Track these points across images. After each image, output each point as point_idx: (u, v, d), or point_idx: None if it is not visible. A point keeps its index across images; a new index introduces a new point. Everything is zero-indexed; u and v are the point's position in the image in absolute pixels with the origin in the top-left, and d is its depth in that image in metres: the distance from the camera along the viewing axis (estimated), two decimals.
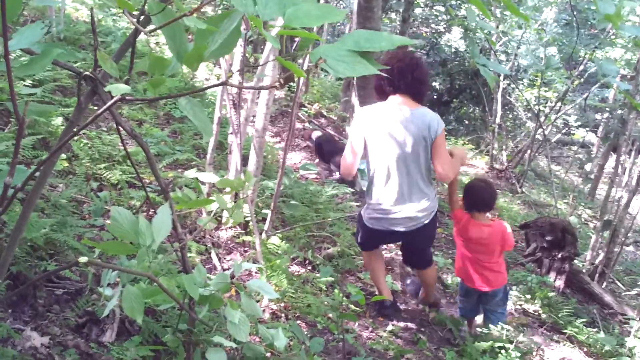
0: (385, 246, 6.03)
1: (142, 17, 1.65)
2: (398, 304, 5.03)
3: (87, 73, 1.85)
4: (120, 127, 2.17)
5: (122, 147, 5.11)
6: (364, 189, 4.50)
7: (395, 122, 4.00)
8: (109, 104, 1.58)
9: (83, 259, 2.01)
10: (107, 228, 3.78)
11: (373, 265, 4.72)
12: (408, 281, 5.51)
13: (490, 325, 4.65)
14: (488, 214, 4.65)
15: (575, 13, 8.80)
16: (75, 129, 1.81)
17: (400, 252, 5.49)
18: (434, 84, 14.02)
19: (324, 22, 1.53)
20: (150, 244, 2.30)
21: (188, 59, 1.44)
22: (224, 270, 4.39)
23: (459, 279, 4.96)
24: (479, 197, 4.45)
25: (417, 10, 13.68)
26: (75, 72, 1.88)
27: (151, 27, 1.47)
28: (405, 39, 1.66)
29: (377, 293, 4.83)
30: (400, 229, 4.22)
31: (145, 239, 2.29)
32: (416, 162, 4.06)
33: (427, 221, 4.24)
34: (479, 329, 4.68)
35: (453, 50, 13.92)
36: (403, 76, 4.04)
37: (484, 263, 4.52)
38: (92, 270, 3.39)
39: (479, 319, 4.98)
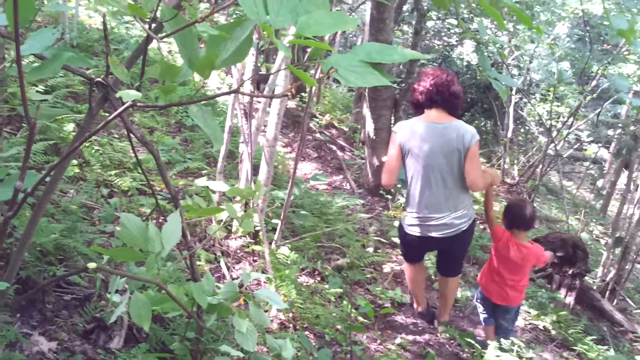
0: (395, 260, 6.05)
1: (154, 24, 1.66)
2: (407, 317, 5.07)
3: (99, 79, 1.85)
4: (131, 134, 2.18)
5: (133, 154, 5.14)
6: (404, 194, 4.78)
7: (431, 135, 4.20)
8: (119, 110, 1.58)
9: (92, 265, 2.01)
10: (116, 234, 3.78)
11: (414, 277, 4.92)
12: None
13: (501, 340, 4.63)
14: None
15: (588, 28, 8.78)
16: (86, 135, 1.82)
17: None
18: None
19: (336, 30, 1.52)
20: (160, 251, 2.30)
21: (199, 67, 1.44)
22: (233, 279, 4.39)
23: (468, 294, 4.96)
24: (520, 215, 4.52)
25: (430, 23, 13.68)
26: (87, 78, 1.88)
27: (163, 34, 1.48)
28: (416, 53, 1.66)
29: (386, 305, 5.02)
30: (437, 234, 4.39)
31: (155, 246, 2.29)
32: (451, 172, 4.25)
33: (465, 228, 4.42)
34: (489, 341, 4.65)
35: (465, 63, 13.90)
36: (440, 92, 4.27)
37: (509, 281, 4.60)
38: (101, 277, 3.39)
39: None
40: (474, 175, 4.21)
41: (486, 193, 4.71)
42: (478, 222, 8.63)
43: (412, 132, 4.26)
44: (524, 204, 4.66)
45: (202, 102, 1.61)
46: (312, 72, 5.89)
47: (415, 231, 4.49)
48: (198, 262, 4.31)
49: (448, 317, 5.11)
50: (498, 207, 9.82)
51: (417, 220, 4.44)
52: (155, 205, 2.61)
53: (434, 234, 4.41)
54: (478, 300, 4.98)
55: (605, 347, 5.81)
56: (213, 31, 1.35)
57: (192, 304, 2.64)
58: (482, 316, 4.97)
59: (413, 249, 4.75)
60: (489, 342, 4.67)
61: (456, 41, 14.05)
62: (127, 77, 1.54)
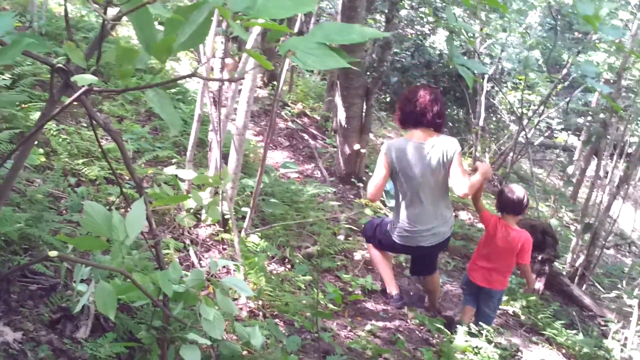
0: (366, 247, 6.08)
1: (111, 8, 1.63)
2: (377, 304, 5.16)
3: (60, 65, 1.82)
4: (94, 121, 2.15)
5: (110, 144, 5.08)
6: (389, 205, 5.16)
7: (420, 156, 4.54)
8: (76, 94, 1.56)
9: (53, 254, 1.99)
10: (80, 223, 3.75)
11: (383, 259, 5.18)
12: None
13: (471, 325, 4.74)
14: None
15: (559, 17, 8.84)
16: (43, 122, 1.79)
17: None
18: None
19: (296, 12, 1.51)
20: (124, 239, 2.28)
21: (157, 50, 1.42)
22: (202, 267, 4.37)
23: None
24: (510, 200, 4.82)
25: (403, 12, 13.68)
26: (48, 64, 1.85)
27: (116, 16, 1.45)
28: (375, 31, 1.65)
29: (357, 292, 5.14)
30: (427, 244, 4.74)
31: (119, 234, 2.27)
32: (439, 187, 4.64)
33: (449, 234, 4.84)
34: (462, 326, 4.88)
35: (438, 52, 13.93)
36: (424, 114, 4.60)
37: (494, 264, 4.90)
38: (67, 266, 3.35)
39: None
40: (462, 185, 4.50)
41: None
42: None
43: (401, 153, 4.56)
44: (517, 189, 4.90)
45: (164, 88, 1.59)
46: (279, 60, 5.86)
47: (404, 241, 4.80)
48: (167, 251, 4.29)
49: (438, 305, 5.42)
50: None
51: (409, 233, 4.74)
52: (120, 193, 2.58)
53: (423, 244, 4.75)
54: (463, 285, 5.30)
55: (574, 331, 5.88)
56: (167, 13, 1.33)
57: (159, 292, 2.62)
58: (463, 299, 5.32)
59: (397, 251, 5.26)
60: (463, 323, 4.92)
61: (429, 30, 14.07)
62: (84, 61, 1.52)
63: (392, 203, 5.00)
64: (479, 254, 5.02)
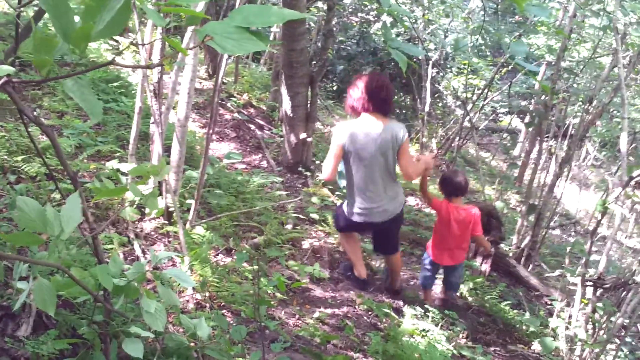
0: (315, 235, 6.12)
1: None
2: (325, 291, 5.22)
3: None
4: (25, 115, 2.12)
5: (42, 139, 5.00)
6: (341, 186, 5.49)
7: (370, 139, 4.78)
8: None
9: None
10: (14, 219, 3.69)
11: (351, 245, 5.47)
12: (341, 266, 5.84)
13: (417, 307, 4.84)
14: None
15: (500, 1, 8.94)
16: None
17: (329, 240, 6.16)
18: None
19: None
20: (60, 234, 2.25)
21: (75, 39, 1.40)
22: (148, 261, 4.34)
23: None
24: (454, 183, 5.27)
25: (347, 0, 13.72)
26: None
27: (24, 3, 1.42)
28: (294, 12, 1.65)
29: (300, 279, 5.26)
30: (378, 220, 5.02)
31: (54, 229, 2.24)
32: (388, 168, 4.88)
33: (399, 212, 5.08)
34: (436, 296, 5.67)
35: (383, 39, 13.99)
36: (372, 98, 4.83)
37: (456, 242, 5.34)
38: (6, 264, 3.30)
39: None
40: (408, 169, 4.91)
41: (422, 176, 5.24)
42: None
43: (353, 136, 4.80)
44: (457, 173, 5.39)
45: (83, 76, 1.57)
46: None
47: (358, 218, 5.06)
48: (111, 246, 4.25)
49: (399, 284, 5.63)
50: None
51: (362, 210, 5.01)
52: (55, 188, 2.54)
53: (376, 220, 5.02)
54: (425, 267, 5.57)
55: (521, 311, 5.97)
56: None
57: (99, 287, 2.60)
58: (423, 281, 5.64)
59: (353, 229, 5.37)
60: (430, 300, 5.53)
61: (373, 17, 14.12)
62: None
63: (343, 183, 5.24)
64: (439, 238, 5.40)
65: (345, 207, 5.18)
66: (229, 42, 1.51)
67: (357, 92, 4.89)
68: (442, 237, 5.35)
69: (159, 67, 4.38)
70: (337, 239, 6.11)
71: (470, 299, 5.96)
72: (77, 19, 1.53)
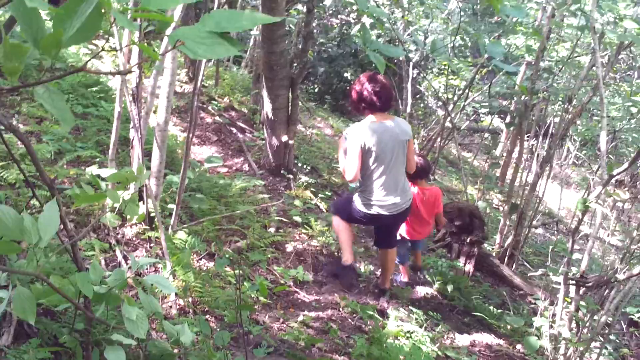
0: (298, 238, 6.12)
1: None
2: (309, 294, 5.23)
3: None
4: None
5: (21, 146, 4.96)
6: (352, 186, 5.85)
7: (387, 133, 5.01)
8: None
9: None
10: None
11: (346, 229, 5.57)
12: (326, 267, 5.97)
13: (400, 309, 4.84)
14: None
15: (478, 1, 8.97)
16: None
17: (312, 243, 6.16)
18: (345, 74, 14.08)
19: (183, 2, 1.49)
20: (38, 242, 2.23)
21: (45, 45, 1.38)
22: (129, 267, 4.31)
23: (371, 268, 5.35)
24: (420, 168, 5.68)
25: (327, 1, 13.70)
26: None
27: None
28: (266, 16, 1.64)
29: (284, 282, 5.29)
30: (386, 212, 5.16)
31: (31, 237, 2.21)
32: (400, 162, 5.13)
33: (407, 206, 5.27)
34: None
35: (362, 42, 13.99)
36: (380, 97, 5.05)
37: (423, 219, 5.87)
38: None
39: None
40: (413, 164, 5.37)
41: None
42: None
43: (368, 134, 4.98)
44: (421, 158, 5.81)
45: (55, 83, 1.55)
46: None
47: (368, 209, 5.22)
48: (92, 252, 4.22)
49: (388, 283, 5.74)
50: None
51: (374, 202, 5.17)
52: (32, 196, 2.51)
53: (383, 212, 5.16)
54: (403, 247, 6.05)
55: (505, 310, 5.99)
56: (44, 6, 1.30)
57: (79, 294, 2.57)
58: (400, 258, 6.03)
59: (358, 220, 5.52)
60: (406, 279, 6.08)
61: (354, 19, 14.12)
62: None
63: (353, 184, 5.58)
64: (410, 217, 5.66)
65: (358, 200, 5.30)
66: (200, 47, 1.49)
67: (365, 92, 5.07)
68: (412, 216, 5.67)
69: (138, 71, 4.36)
70: (322, 240, 6.12)
71: (454, 299, 5.96)
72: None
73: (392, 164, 5.08)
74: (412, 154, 5.30)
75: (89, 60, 1.69)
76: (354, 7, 13.23)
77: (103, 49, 1.56)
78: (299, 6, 11.02)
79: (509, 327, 5.69)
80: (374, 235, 5.88)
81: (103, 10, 1.43)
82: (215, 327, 4.02)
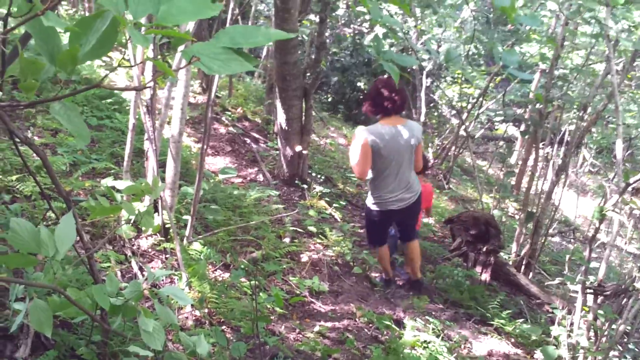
0: (313, 248, 6.11)
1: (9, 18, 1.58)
2: (325, 305, 5.24)
3: None
4: (15, 136, 2.10)
5: (36, 158, 4.98)
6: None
7: (396, 137, 5.31)
8: None
9: None
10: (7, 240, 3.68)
11: (385, 255, 5.98)
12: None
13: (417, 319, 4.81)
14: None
15: (491, 10, 8.96)
16: None
17: (328, 253, 6.15)
18: (358, 84, 14.08)
19: (199, 17, 1.50)
20: (54, 254, 2.24)
21: (61, 62, 1.39)
22: (146, 279, 4.32)
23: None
24: None
25: (340, 12, 13.73)
26: None
27: (9, 28, 1.41)
28: (281, 32, 1.64)
29: (299, 293, 5.28)
30: (395, 207, 5.55)
31: (48, 250, 2.23)
32: (409, 161, 5.48)
33: (414, 200, 5.60)
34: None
35: (375, 51, 13.97)
36: (394, 101, 5.35)
37: None
38: (3, 284, 3.28)
39: None
40: (419, 162, 5.67)
41: None
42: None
43: (380, 136, 5.27)
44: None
45: (72, 98, 1.55)
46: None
47: (379, 207, 5.60)
48: (108, 264, 4.23)
49: (420, 275, 6.11)
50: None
51: (384, 199, 5.55)
52: (48, 208, 2.53)
53: (391, 207, 5.54)
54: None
55: (522, 320, 5.95)
56: (60, 25, 1.30)
57: (96, 306, 2.58)
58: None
59: (377, 224, 5.79)
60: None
61: (366, 28, 14.14)
62: None
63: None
64: None
65: (370, 203, 5.69)
66: (215, 63, 1.50)
67: (380, 97, 5.38)
68: None
69: (152, 83, 4.38)
70: (337, 250, 6.15)
71: (470, 308, 5.93)
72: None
73: (401, 165, 5.42)
74: (420, 156, 5.66)
75: (106, 76, 1.70)
76: (367, 17, 13.25)
77: (119, 65, 1.57)
78: (312, 16, 11.05)
79: (526, 336, 5.65)
80: (398, 232, 6.27)
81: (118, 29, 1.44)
82: (231, 338, 4.01)
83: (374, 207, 5.66)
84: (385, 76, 5.85)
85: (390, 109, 5.38)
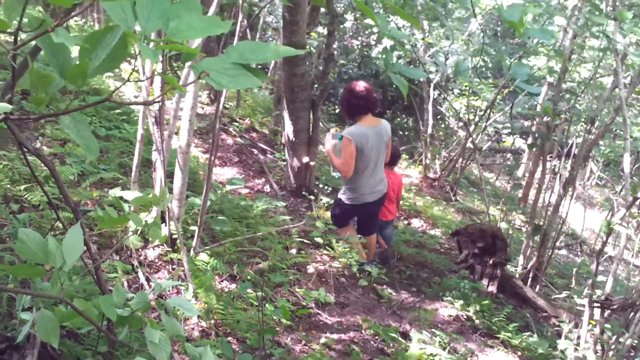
0: (320, 260, 6.11)
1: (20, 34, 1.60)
2: (331, 316, 5.24)
3: None
4: (24, 147, 2.12)
5: (44, 168, 5.01)
6: (336, 177, 6.49)
7: (375, 136, 5.97)
8: None
9: None
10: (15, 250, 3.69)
11: (350, 232, 6.54)
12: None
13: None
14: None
15: (499, 23, 8.98)
16: None
17: (334, 264, 6.13)
18: None
19: (208, 34, 1.51)
20: (62, 265, 2.25)
21: (71, 76, 1.41)
22: (153, 289, 4.33)
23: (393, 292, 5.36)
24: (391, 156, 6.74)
25: (348, 24, 13.75)
26: None
27: (20, 44, 1.42)
28: (289, 49, 1.66)
29: (305, 304, 5.25)
30: (371, 200, 6.22)
31: (56, 261, 2.24)
32: (383, 157, 6.21)
33: (384, 191, 6.38)
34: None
35: (384, 64, 13.98)
36: (368, 101, 5.96)
37: (390, 198, 6.86)
38: (10, 294, 3.29)
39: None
40: (389, 154, 6.50)
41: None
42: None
43: (362, 137, 5.88)
44: (393, 148, 6.80)
45: (83, 112, 1.57)
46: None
47: (354, 201, 6.23)
48: (115, 274, 4.24)
49: (377, 251, 6.98)
50: (422, 201, 9.99)
51: (360, 194, 6.18)
52: (56, 219, 2.54)
53: (366, 200, 6.19)
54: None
55: (529, 333, 5.93)
56: (70, 41, 1.32)
57: (102, 317, 2.59)
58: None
59: (348, 214, 6.45)
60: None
61: (374, 40, 14.16)
62: None
63: (337, 174, 6.28)
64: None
65: (344, 198, 6.31)
66: (224, 78, 1.52)
67: (354, 99, 5.96)
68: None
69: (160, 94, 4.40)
70: (344, 261, 6.13)
71: (477, 321, 5.92)
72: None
73: (378, 161, 6.08)
74: (389, 149, 6.42)
75: (116, 89, 1.71)
76: (375, 29, 13.28)
77: (129, 80, 1.59)
78: (320, 29, 11.08)
79: (533, 349, 5.64)
80: (357, 226, 6.71)
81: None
82: (237, 349, 4.01)
83: (348, 202, 6.27)
84: (354, 81, 6.29)
85: (366, 108, 5.97)
